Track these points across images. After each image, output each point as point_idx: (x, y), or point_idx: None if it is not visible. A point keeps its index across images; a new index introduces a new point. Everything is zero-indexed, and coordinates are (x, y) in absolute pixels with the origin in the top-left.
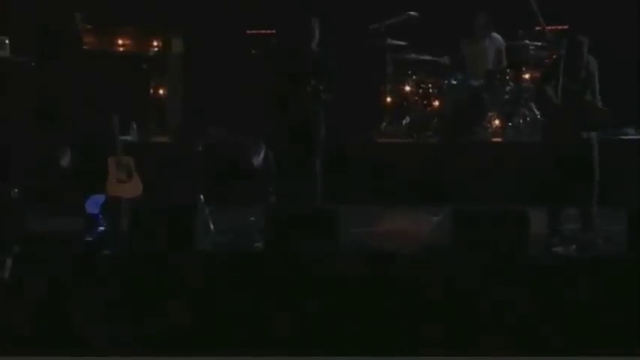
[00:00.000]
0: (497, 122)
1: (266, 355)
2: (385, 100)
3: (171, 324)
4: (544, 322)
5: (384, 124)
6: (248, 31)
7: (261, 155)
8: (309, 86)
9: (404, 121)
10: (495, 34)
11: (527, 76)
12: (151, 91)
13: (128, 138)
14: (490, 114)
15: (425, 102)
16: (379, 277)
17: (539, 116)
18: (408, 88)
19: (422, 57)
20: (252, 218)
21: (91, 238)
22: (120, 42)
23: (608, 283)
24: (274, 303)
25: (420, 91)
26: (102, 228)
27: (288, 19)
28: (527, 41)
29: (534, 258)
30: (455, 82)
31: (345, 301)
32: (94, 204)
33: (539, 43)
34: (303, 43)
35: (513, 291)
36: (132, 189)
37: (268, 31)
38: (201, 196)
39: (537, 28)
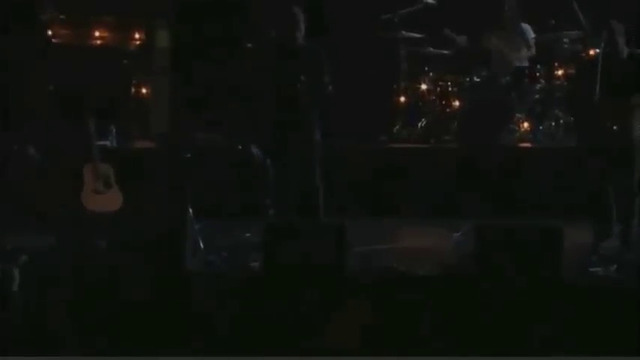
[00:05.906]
0: (526, 125)
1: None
2: (398, 99)
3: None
4: None
5: (397, 126)
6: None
7: (258, 162)
8: (299, 83)
9: (420, 124)
10: (525, 25)
11: (560, 72)
12: (133, 90)
13: (106, 143)
14: (518, 116)
15: (443, 102)
16: (390, 300)
17: (572, 118)
18: (424, 87)
19: (440, 51)
20: (248, 234)
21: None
22: (97, 34)
23: None
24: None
25: (438, 89)
26: None
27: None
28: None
29: (568, 279)
30: (478, 80)
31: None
32: None
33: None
34: (289, 35)
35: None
36: (110, 201)
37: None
38: (190, 210)
39: None
